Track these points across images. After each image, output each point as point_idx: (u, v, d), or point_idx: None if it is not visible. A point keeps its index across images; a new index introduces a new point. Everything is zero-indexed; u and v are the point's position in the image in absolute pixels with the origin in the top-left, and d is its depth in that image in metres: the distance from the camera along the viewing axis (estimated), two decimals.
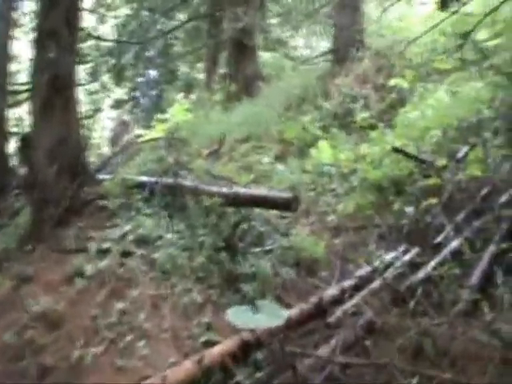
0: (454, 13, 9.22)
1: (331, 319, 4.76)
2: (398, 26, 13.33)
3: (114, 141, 17.36)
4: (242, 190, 6.62)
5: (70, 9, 6.99)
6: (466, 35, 11.09)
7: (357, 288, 5.27)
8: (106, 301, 4.93)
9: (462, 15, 10.73)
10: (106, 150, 19.05)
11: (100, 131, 23.42)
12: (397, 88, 10.70)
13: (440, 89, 9.55)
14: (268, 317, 3.78)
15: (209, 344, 4.68)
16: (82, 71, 19.99)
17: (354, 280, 5.43)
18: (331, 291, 5.22)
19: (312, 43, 22.47)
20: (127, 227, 6.00)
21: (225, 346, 4.40)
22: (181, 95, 18.10)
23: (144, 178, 7.15)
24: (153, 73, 24.89)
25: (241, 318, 3.80)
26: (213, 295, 5.30)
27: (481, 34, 9.70)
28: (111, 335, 4.67)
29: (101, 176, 7.42)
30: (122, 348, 4.61)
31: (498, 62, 7.79)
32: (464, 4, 8.06)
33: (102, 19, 21.62)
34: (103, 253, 5.54)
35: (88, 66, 21.50)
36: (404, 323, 4.55)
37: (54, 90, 6.74)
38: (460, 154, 7.09)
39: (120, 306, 4.81)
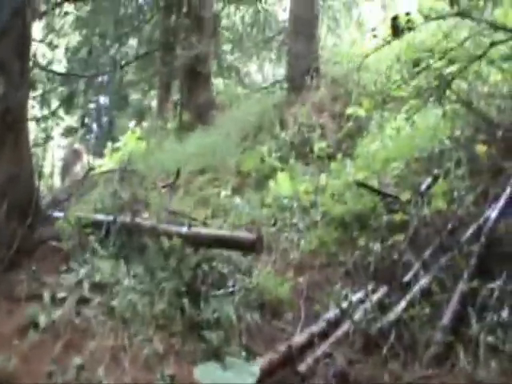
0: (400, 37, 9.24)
1: (302, 368, 4.55)
2: (353, 53, 13.30)
3: (65, 170, 17.05)
4: (203, 231, 6.40)
5: (20, 39, 6.67)
6: (417, 62, 11.17)
7: (326, 332, 5.08)
8: (62, 355, 4.61)
9: (414, 42, 10.81)
10: (56, 180, 18.64)
11: (51, 160, 22.96)
12: (354, 116, 10.65)
13: (397, 118, 9.50)
14: (238, 375, 3.55)
15: None
16: (31, 98, 19.58)
17: (323, 324, 5.23)
18: (300, 338, 5.02)
19: (265, 70, 22.45)
20: (83, 271, 5.69)
21: None
22: (133, 123, 17.91)
23: (99, 217, 6.89)
24: (104, 99, 24.60)
25: (209, 376, 3.56)
26: (175, 344, 5.03)
27: (435, 62, 9.72)
28: None
29: (54, 214, 7.12)
30: None
31: (454, 90, 7.72)
32: (416, 28, 8.02)
33: (52, 47, 21.23)
34: (58, 301, 5.23)
35: (37, 93, 21.07)
36: (377, 372, 4.38)
37: (4, 125, 6.42)
38: (423, 187, 6.99)
39: (77, 360, 4.52)
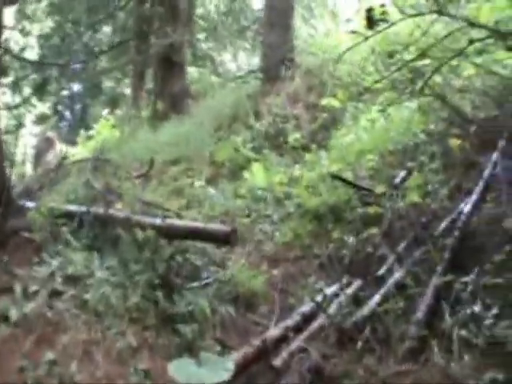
0: (379, 31, 9.23)
1: (276, 362, 4.54)
2: (328, 44, 13.28)
3: (37, 158, 16.86)
4: (177, 222, 6.36)
5: None
6: (391, 55, 11.19)
7: (301, 326, 5.07)
8: (33, 350, 4.54)
9: (389, 34, 10.82)
10: (28, 168, 18.47)
11: (22, 148, 22.70)
12: (328, 107, 10.63)
13: (372, 109, 9.51)
14: (213, 371, 3.53)
15: None
16: (2, 85, 19.33)
17: (297, 317, 5.21)
18: (274, 331, 5.00)
19: (239, 59, 22.36)
20: (55, 263, 5.62)
21: None
22: (106, 111, 17.76)
23: (72, 207, 6.83)
24: (77, 87, 24.37)
25: (184, 372, 3.53)
26: (149, 338, 4.99)
27: (409, 54, 9.74)
28: None
29: (26, 204, 7.04)
30: None
31: (429, 83, 7.74)
32: (392, 24, 7.99)
33: (24, 33, 20.98)
34: (30, 294, 5.16)
35: (9, 80, 20.80)
36: (352, 367, 4.38)
37: None
38: (398, 180, 7.01)
39: (49, 355, 4.45)
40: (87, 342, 4.75)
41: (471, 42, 6.09)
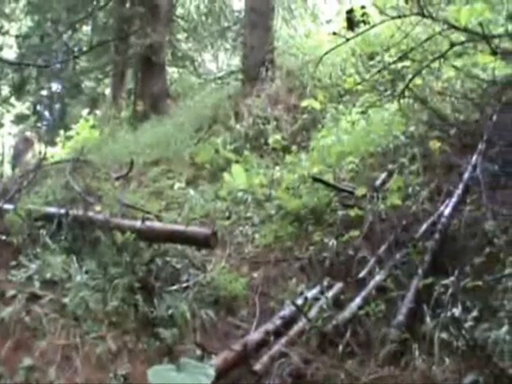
0: (360, 33, 9.26)
1: (257, 367, 4.51)
2: (308, 46, 13.28)
3: (16, 158, 16.67)
4: (157, 225, 6.31)
5: None
6: (372, 56, 11.23)
7: (281, 330, 5.04)
8: (10, 355, 4.48)
9: (369, 36, 10.86)
10: (7, 168, 18.28)
11: (1, 148, 22.50)
12: (309, 109, 10.62)
13: (352, 111, 9.53)
14: (193, 376, 3.49)
15: None
16: None
17: (278, 321, 5.19)
18: (255, 336, 4.97)
19: (220, 59, 22.28)
20: (33, 267, 5.56)
21: None
22: (86, 111, 17.62)
23: (51, 209, 6.75)
24: (56, 86, 24.17)
25: (163, 379, 3.49)
26: (128, 342, 4.94)
27: (389, 56, 9.78)
28: None
29: (3, 206, 6.94)
30: None
31: (410, 85, 7.76)
32: (373, 26, 8.01)
33: (2, 32, 20.77)
34: (7, 298, 5.09)
35: None
36: (333, 371, 4.36)
37: None
38: (378, 182, 7.01)
39: (27, 361, 4.40)
40: (66, 347, 4.70)
41: (452, 45, 6.10)
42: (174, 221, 7.41)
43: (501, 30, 7.12)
